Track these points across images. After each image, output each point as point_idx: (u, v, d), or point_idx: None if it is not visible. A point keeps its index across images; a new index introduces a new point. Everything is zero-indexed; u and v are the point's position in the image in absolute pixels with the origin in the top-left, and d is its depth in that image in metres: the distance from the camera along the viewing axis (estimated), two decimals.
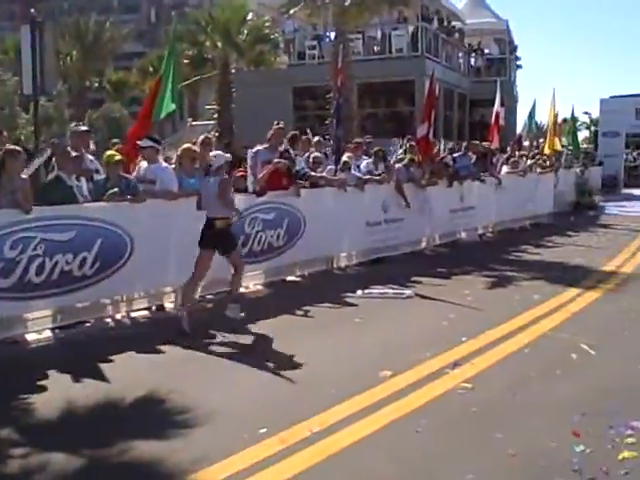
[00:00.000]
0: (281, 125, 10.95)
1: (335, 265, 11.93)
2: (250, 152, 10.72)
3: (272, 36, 27.94)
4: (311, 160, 11.69)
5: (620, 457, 4.36)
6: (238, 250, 8.40)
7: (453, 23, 30.42)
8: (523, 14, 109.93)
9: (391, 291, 9.77)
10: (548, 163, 20.48)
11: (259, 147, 10.73)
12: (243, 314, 7.94)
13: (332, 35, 24.50)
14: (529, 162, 19.18)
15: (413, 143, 14.70)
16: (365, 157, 13.39)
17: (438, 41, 28.12)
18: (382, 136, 22.40)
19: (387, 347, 7.02)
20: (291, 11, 22.05)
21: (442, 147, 18.06)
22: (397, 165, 13.68)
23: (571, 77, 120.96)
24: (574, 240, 15.74)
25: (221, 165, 7.83)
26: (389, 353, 6.79)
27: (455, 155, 15.83)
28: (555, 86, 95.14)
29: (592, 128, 57.24)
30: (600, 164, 30.40)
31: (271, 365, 6.40)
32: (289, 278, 10.90)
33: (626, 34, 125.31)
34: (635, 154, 38.94)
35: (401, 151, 16.26)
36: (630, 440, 4.62)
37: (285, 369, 6.24)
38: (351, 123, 20.71)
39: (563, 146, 27.67)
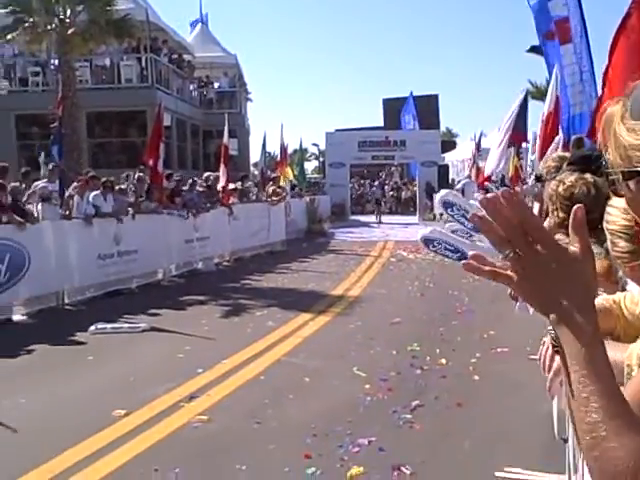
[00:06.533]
0: None
1: (66, 301, 11.35)
2: None
3: None
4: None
5: (348, 475, 4.53)
6: None
7: (183, 56, 30.56)
8: (252, 49, 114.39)
9: (126, 325, 9.46)
10: (282, 193, 21.21)
11: None
12: None
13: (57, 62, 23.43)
14: (271, 189, 19.85)
15: (142, 174, 14.52)
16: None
17: (169, 72, 28.10)
18: (115, 167, 21.88)
19: (120, 385, 6.76)
20: (8, 36, 20.54)
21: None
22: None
23: (300, 110, 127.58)
24: (306, 266, 16.35)
25: None
26: (123, 391, 6.54)
27: (184, 188, 15.81)
28: (285, 119, 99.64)
29: (320, 159, 60.31)
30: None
31: None
32: (14, 317, 10.19)
33: (350, 73, 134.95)
34: (358, 184, 41.72)
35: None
36: (357, 457, 4.83)
37: (7, 417, 5.76)
38: (80, 153, 19.90)
39: (294, 176, 28.92)
